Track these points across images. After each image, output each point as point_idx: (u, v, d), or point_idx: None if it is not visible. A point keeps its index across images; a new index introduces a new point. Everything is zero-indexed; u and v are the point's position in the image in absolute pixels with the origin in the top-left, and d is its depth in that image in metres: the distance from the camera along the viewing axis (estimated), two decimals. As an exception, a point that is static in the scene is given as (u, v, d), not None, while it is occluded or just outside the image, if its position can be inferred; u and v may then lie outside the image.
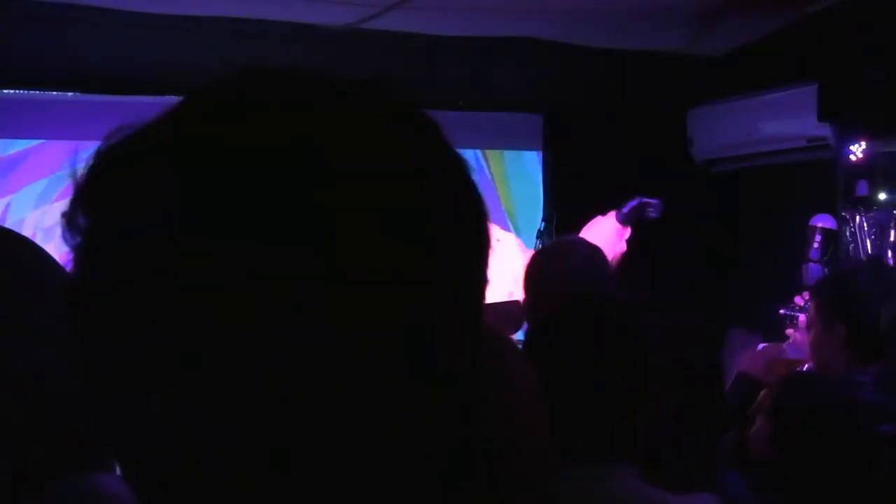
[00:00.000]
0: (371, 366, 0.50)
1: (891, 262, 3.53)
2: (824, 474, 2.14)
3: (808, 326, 2.71)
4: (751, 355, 2.82)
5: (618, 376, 1.50)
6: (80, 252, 0.52)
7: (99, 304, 0.51)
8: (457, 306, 0.54)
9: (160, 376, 0.49)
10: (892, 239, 3.61)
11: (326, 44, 3.79)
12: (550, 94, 4.58)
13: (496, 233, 2.80)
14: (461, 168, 0.56)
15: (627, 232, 2.97)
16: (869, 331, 2.38)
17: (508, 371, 0.76)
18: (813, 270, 3.45)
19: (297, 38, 3.84)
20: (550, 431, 0.78)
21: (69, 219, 0.52)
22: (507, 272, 2.76)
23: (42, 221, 3.87)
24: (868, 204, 3.74)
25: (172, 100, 0.54)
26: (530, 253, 2.79)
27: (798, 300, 3.03)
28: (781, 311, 3.06)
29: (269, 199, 0.48)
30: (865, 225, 3.65)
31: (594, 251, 2.63)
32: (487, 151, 4.65)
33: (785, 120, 4.11)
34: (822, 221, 3.54)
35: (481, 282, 0.56)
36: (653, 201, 3.02)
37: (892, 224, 3.60)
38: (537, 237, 4.33)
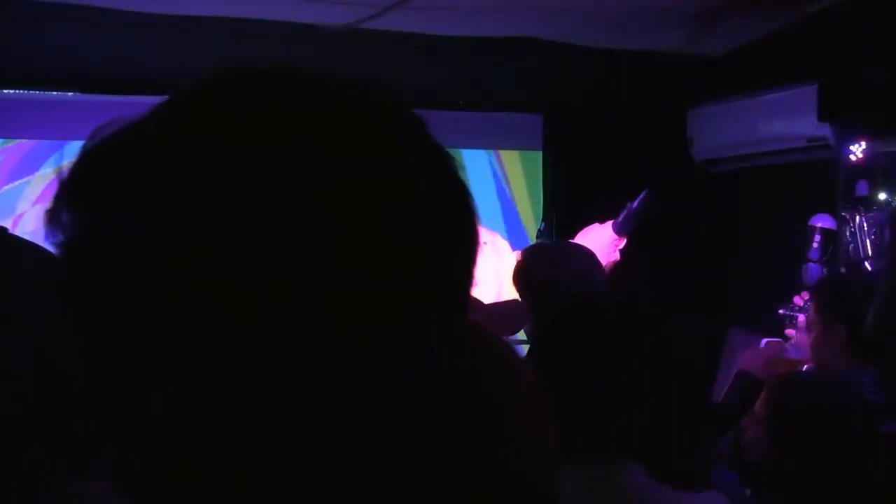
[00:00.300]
0: (371, 366, 0.50)
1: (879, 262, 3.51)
2: (824, 474, 2.14)
3: (809, 327, 2.71)
4: (752, 354, 2.82)
5: (618, 376, 1.51)
6: (70, 249, 0.52)
7: (93, 302, 0.51)
8: (456, 306, 0.54)
9: (160, 376, 0.49)
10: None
11: (326, 44, 3.78)
12: (550, 94, 4.58)
13: (483, 234, 2.79)
14: (454, 168, 0.56)
15: (622, 242, 2.98)
16: (869, 331, 2.38)
17: (508, 371, 0.76)
18: (813, 270, 3.45)
19: (297, 38, 3.84)
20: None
21: (52, 215, 0.52)
22: (492, 273, 2.78)
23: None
24: (868, 204, 3.73)
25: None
26: (517, 255, 2.79)
27: (798, 300, 3.02)
28: (781, 312, 3.06)
29: (269, 199, 0.48)
30: (865, 225, 3.64)
31: (591, 255, 2.66)
32: (502, 152, 4.65)
33: (785, 120, 4.11)
34: (822, 221, 3.54)
35: (470, 282, 0.56)
36: (640, 196, 3.02)
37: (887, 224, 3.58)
38: (537, 237, 4.34)
